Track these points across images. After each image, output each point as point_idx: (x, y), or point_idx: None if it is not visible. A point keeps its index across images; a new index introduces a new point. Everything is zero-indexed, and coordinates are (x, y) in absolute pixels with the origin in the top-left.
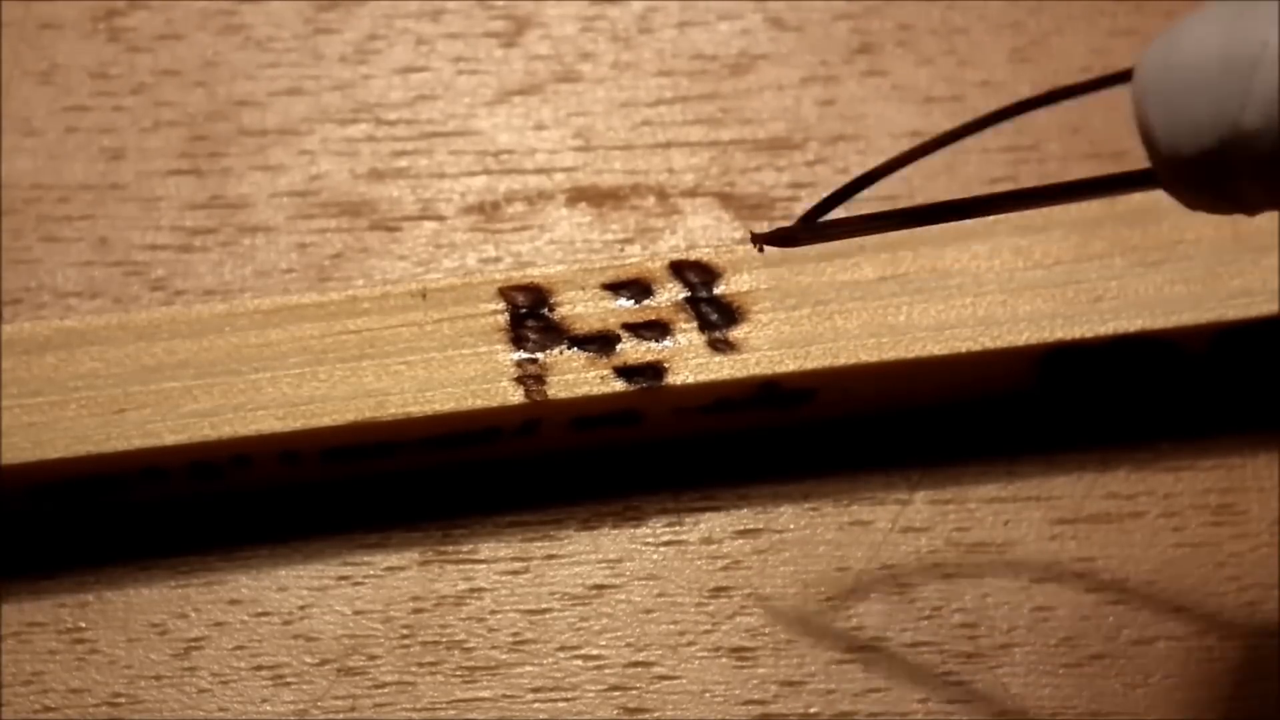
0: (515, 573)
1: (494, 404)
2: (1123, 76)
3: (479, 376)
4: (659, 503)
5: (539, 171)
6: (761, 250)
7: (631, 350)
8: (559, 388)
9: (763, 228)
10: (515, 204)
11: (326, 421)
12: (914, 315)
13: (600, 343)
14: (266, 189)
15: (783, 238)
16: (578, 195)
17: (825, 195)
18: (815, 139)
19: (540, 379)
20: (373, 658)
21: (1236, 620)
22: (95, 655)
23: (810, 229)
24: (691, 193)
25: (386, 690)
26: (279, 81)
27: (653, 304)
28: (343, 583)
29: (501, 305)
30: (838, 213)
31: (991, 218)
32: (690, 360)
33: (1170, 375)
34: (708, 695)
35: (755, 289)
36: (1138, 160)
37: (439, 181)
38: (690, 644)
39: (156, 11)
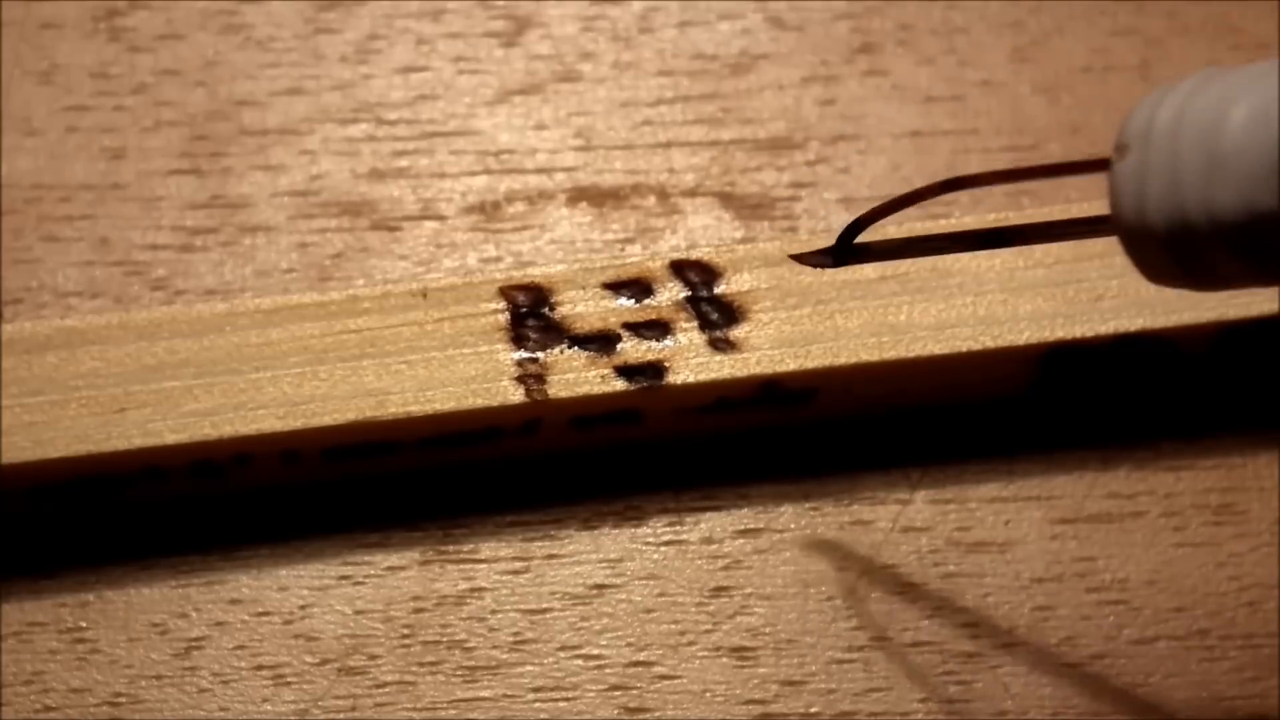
0: (516, 572)
1: (494, 403)
2: (1100, 164)
3: (480, 376)
4: (659, 502)
5: (539, 171)
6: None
7: (632, 350)
8: (559, 387)
9: (765, 233)
10: (516, 204)
11: (327, 421)
12: (914, 315)
13: (601, 342)
14: (267, 189)
15: (821, 259)
16: (578, 195)
17: (859, 217)
18: (816, 139)
19: (541, 378)
20: (373, 657)
21: (1236, 620)
22: (96, 655)
23: (850, 250)
24: (692, 192)
25: (387, 690)
26: (279, 81)
27: (653, 303)
28: (343, 582)
29: (502, 305)
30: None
31: (991, 216)
32: (691, 360)
33: (1170, 375)
34: (708, 695)
35: (756, 288)
36: None
37: (439, 181)
38: (691, 644)
39: (157, 11)
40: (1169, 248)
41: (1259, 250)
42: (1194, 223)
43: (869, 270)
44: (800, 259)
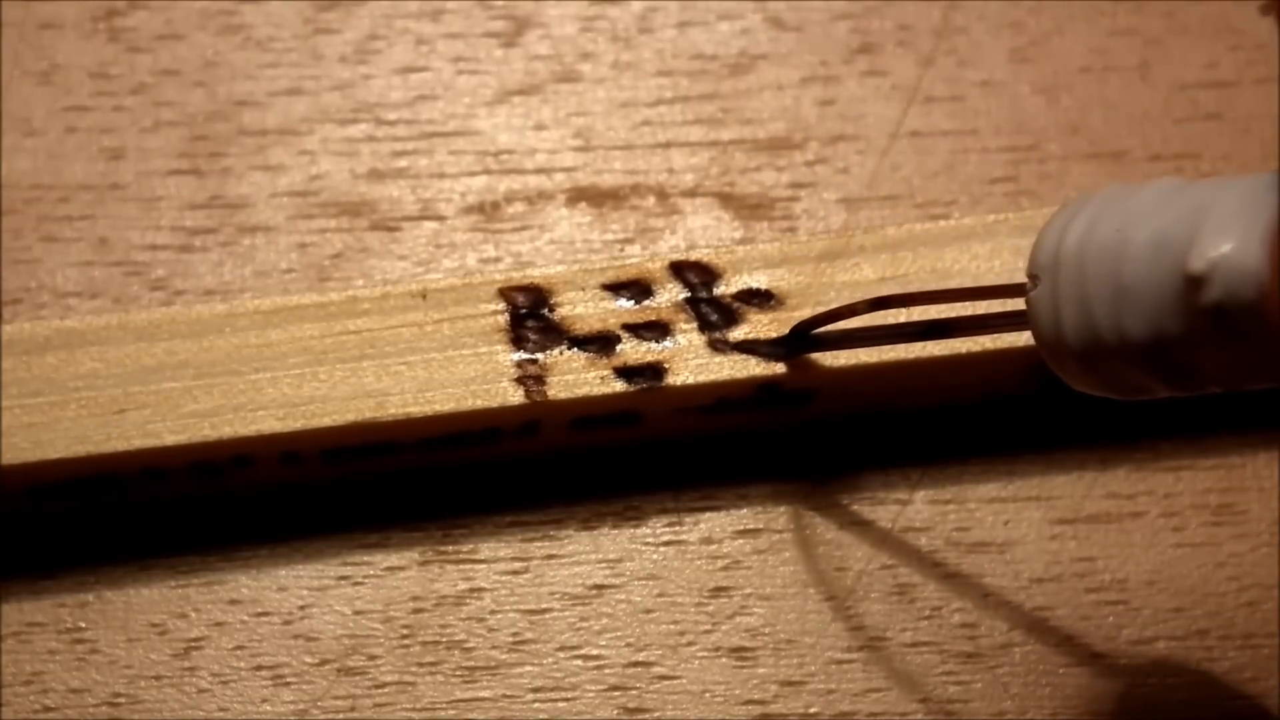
0: (515, 573)
1: (494, 404)
2: (1018, 289)
3: (479, 377)
4: (659, 503)
5: (539, 171)
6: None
7: (631, 350)
8: (559, 388)
9: (765, 234)
10: (515, 204)
11: (327, 422)
12: (914, 315)
13: (600, 343)
14: (266, 189)
15: (774, 350)
16: (578, 195)
17: (804, 320)
18: (815, 139)
19: (540, 379)
20: (373, 658)
21: (1236, 620)
22: (95, 655)
23: (802, 343)
24: (691, 193)
25: (386, 690)
26: (279, 81)
27: (653, 304)
28: (343, 583)
29: (501, 305)
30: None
31: (991, 217)
32: (690, 360)
33: None
34: (708, 695)
35: (755, 290)
36: (1136, 160)
37: (439, 181)
38: (690, 644)
39: (156, 11)
40: (1086, 366)
41: (1172, 369)
42: (1107, 345)
43: (868, 271)
44: (753, 351)
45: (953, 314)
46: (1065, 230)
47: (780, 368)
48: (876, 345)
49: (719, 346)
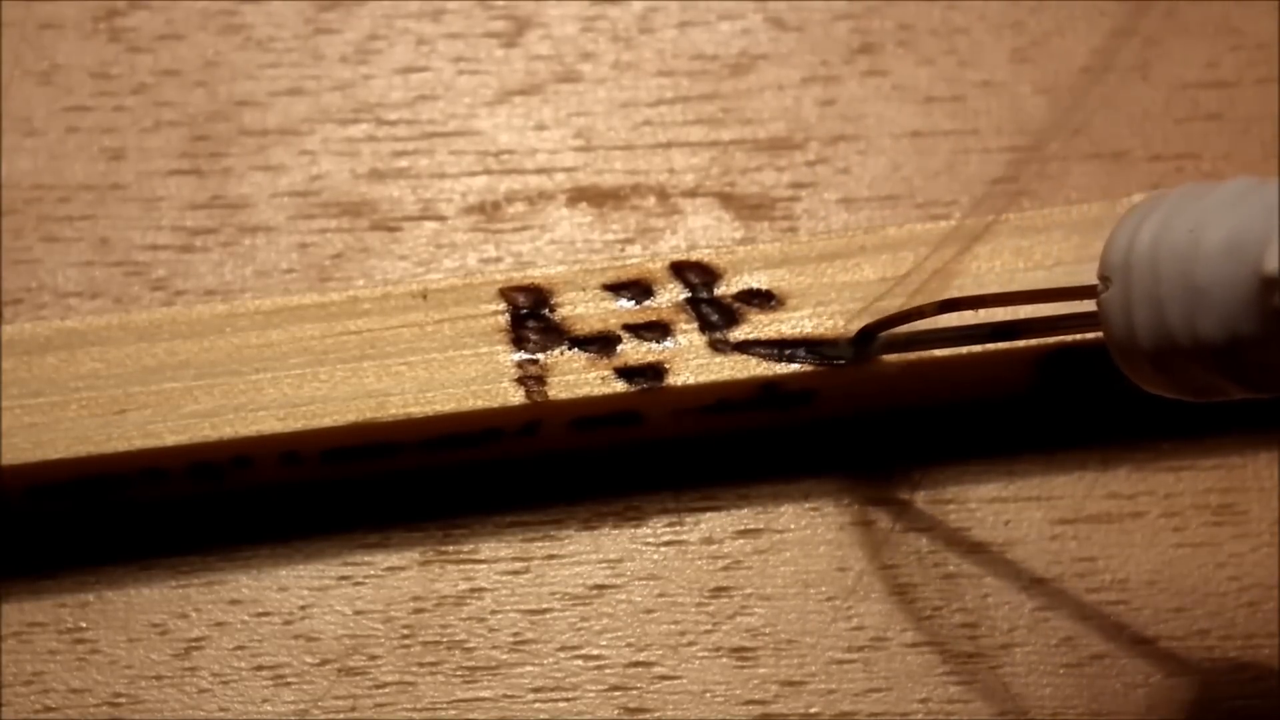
0: (516, 573)
1: (495, 405)
2: (1088, 290)
3: (480, 377)
4: (659, 502)
5: (539, 171)
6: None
7: (632, 351)
8: (560, 388)
9: (765, 234)
10: (516, 204)
11: (327, 422)
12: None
13: (601, 343)
14: (267, 189)
15: (838, 353)
16: (578, 195)
17: (869, 324)
18: (815, 139)
19: (541, 380)
20: (373, 658)
21: (1236, 620)
22: (96, 655)
23: (867, 348)
24: (692, 193)
25: (387, 690)
26: (279, 81)
27: (653, 305)
28: (343, 583)
29: (502, 306)
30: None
31: (991, 217)
32: (691, 361)
33: None
34: (708, 695)
35: (756, 290)
36: (1136, 160)
37: (439, 181)
38: (691, 644)
39: (157, 11)
40: (1159, 367)
41: (1247, 370)
42: (1181, 346)
43: (869, 271)
44: (819, 353)
45: (1022, 316)
46: (1137, 231)
47: (780, 368)
48: (944, 347)
49: (720, 347)
